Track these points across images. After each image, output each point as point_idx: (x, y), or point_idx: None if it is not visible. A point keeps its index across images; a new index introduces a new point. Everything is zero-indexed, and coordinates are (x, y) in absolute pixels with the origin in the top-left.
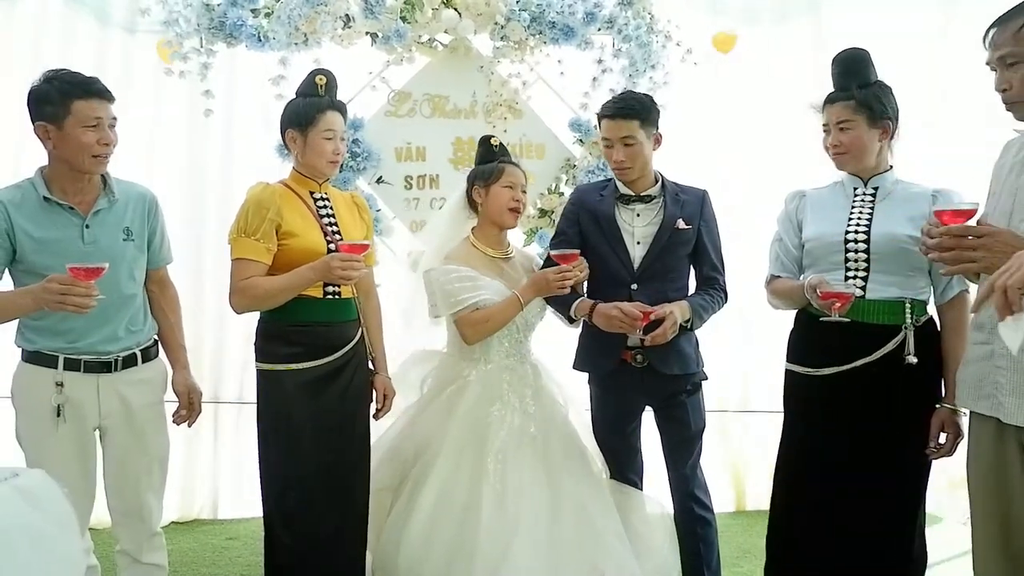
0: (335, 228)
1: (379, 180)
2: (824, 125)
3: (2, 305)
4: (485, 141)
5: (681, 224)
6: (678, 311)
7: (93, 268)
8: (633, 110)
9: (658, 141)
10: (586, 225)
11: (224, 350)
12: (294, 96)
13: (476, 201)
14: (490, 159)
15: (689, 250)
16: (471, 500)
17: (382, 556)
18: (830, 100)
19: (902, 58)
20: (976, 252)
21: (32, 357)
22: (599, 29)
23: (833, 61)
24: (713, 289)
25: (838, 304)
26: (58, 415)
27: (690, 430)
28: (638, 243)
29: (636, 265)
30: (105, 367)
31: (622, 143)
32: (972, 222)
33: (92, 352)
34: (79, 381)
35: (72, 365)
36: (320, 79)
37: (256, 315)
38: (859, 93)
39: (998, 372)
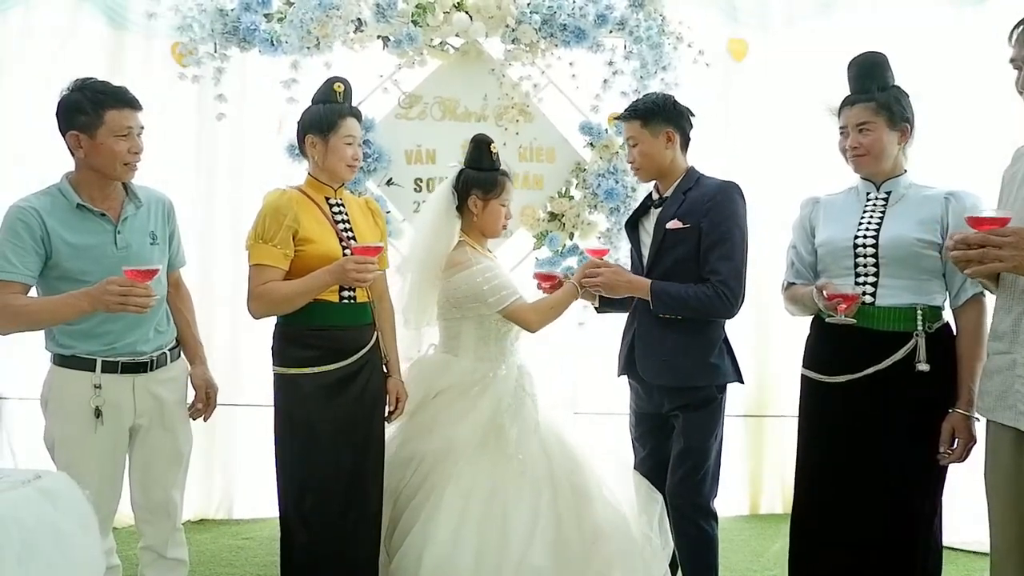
0: (351, 234)
1: (389, 182)
2: (842, 127)
3: (57, 308)
4: (483, 144)
5: (675, 224)
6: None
7: (149, 270)
8: (636, 111)
9: (670, 139)
10: (629, 238)
11: (238, 352)
12: (311, 102)
13: (471, 210)
14: (488, 166)
15: (690, 249)
16: (497, 498)
17: (401, 565)
18: (849, 102)
19: (910, 61)
20: (1003, 251)
21: (67, 361)
22: (610, 31)
23: (850, 64)
24: (699, 284)
25: (843, 305)
26: (97, 417)
27: (682, 444)
28: (649, 247)
29: (646, 271)
30: (140, 368)
31: (629, 144)
32: None
33: (128, 353)
34: (116, 383)
35: (109, 367)
36: (339, 86)
37: (271, 318)
38: (880, 95)
39: (1019, 381)
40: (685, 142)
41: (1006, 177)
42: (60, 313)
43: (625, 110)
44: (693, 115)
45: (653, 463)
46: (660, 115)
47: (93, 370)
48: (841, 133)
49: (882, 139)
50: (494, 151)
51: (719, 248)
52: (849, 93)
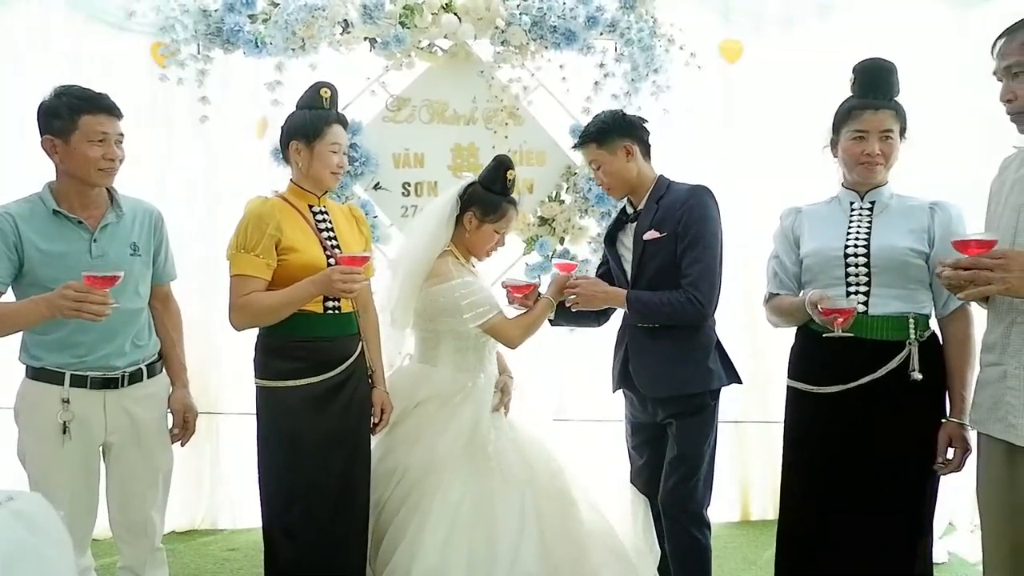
0: (334, 242)
1: (376, 186)
2: (860, 132)
3: (18, 313)
4: (502, 168)
5: (652, 234)
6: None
7: (108, 276)
8: (589, 135)
9: (629, 153)
10: (608, 254)
11: (223, 361)
12: (296, 107)
13: (465, 225)
14: (499, 190)
15: (669, 257)
16: (484, 507)
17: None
18: (872, 107)
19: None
20: (994, 273)
21: (38, 374)
22: (601, 33)
23: (863, 68)
24: (676, 292)
25: (840, 320)
26: (64, 432)
27: (676, 451)
28: (631, 261)
29: (631, 284)
30: (111, 383)
31: (593, 167)
32: None
33: (100, 367)
34: (86, 397)
35: (79, 382)
36: (325, 92)
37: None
38: (897, 104)
39: (1011, 393)
40: (646, 150)
41: (993, 188)
42: (21, 318)
43: (579, 137)
44: (646, 121)
45: (651, 472)
46: (613, 132)
47: (62, 384)
48: (858, 137)
49: (897, 149)
50: (510, 177)
51: (690, 252)
52: (863, 97)
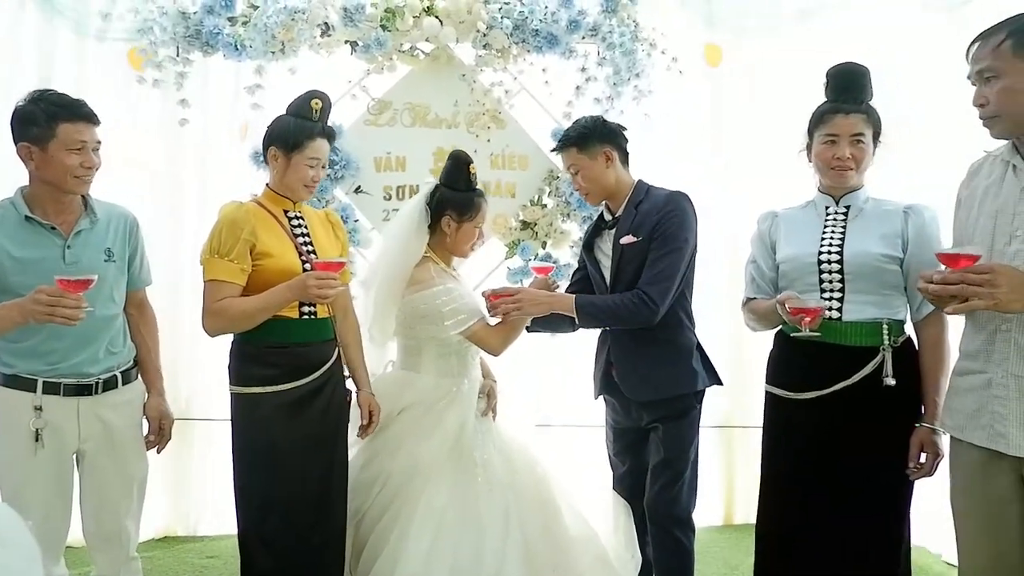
0: (310, 247)
1: (357, 190)
2: (831, 136)
3: None
4: (461, 163)
5: (628, 239)
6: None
7: (82, 280)
8: (568, 139)
9: (609, 159)
10: (586, 260)
11: (202, 365)
12: (285, 111)
13: (443, 230)
14: (464, 187)
15: (645, 262)
16: (468, 514)
17: None
18: (844, 111)
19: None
20: (982, 288)
21: (9, 381)
22: (583, 37)
23: (836, 72)
24: (628, 293)
25: (808, 319)
26: (37, 440)
27: (662, 455)
28: (610, 266)
29: (609, 288)
30: (85, 390)
31: (571, 172)
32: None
33: (73, 374)
34: (58, 405)
35: (51, 389)
36: (316, 103)
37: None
38: (870, 108)
39: (997, 402)
40: (624, 157)
41: (963, 193)
42: None
43: (559, 141)
44: (626, 128)
45: (633, 478)
46: (593, 137)
47: (34, 391)
48: (829, 141)
49: (870, 153)
50: (472, 171)
51: (656, 253)
52: (835, 101)
